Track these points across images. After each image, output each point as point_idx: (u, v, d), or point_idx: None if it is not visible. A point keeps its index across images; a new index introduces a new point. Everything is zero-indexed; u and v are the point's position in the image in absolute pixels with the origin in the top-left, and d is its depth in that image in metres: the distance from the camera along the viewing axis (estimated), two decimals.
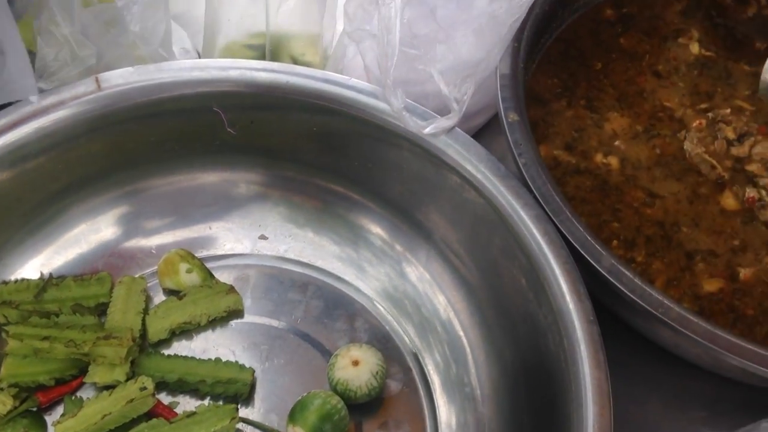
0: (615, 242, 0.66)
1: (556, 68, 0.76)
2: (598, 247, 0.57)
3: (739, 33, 0.79)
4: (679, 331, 0.53)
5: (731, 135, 0.71)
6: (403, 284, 0.67)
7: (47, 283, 0.64)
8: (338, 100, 0.63)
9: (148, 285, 0.69)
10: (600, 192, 0.68)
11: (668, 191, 0.68)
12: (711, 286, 0.63)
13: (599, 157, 0.70)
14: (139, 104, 0.61)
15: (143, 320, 0.65)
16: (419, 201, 0.65)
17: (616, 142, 0.71)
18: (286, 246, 0.70)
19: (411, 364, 0.66)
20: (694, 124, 0.72)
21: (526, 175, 0.60)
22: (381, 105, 0.63)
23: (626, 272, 0.56)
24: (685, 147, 0.71)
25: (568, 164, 0.70)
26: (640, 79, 0.76)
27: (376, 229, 0.68)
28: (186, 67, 0.61)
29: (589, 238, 0.57)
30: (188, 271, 0.67)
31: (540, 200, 0.59)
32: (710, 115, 0.72)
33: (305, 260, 0.70)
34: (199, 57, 0.73)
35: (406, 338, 0.67)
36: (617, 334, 0.64)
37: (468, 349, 0.64)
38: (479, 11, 0.68)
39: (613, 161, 0.70)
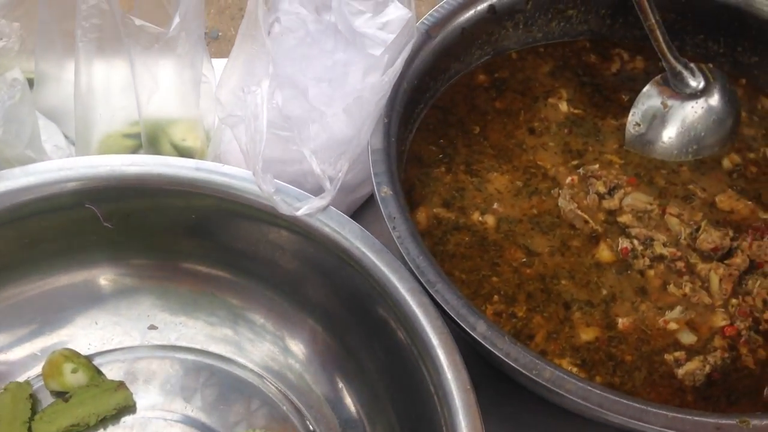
0: (496, 297, 0.67)
1: (435, 135, 0.78)
2: (473, 315, 0.58)
3: (606, 89, 0.84)
4: (554, 391, 0.55)
5: (602, 189, 0.74)
6: (292, 363, 0.67)
7: None
8: (212, 187, 0.63)
9: (36, 388, 0.67)
10: (479, 248, 0.70)
11: (545, 246, 0.71)
12: (587, 335, 0.65)
13: (476, 216, 0.72)
14: (5, 209, 0.60)
15: (29, 428, 0.63)
16: (302, 279, 0.66)
17: (495, 205, 0.73)
18: (176, 334, 0.69)
19: None
20: (567, 181, 0.75)
21: (401, 249, 0.61)
22: (256, 188, 0.63)
23: (500, 337, 0.57)
24: (559, 204, 0.73)
25: (448, 221, 0.72)
26: (518, 132, 0.79)
27: (262, 310, 0.68)
28: (53, 168, 0.61)
29: (464, 306, 0.59)
30: (73, 371, 0.65)
31: (415, 273, 0.60)
32: (581, 171, 0.76)
33: (197, 346, 0.69)
34: None
35: (302, 417, 0.66)
36: (512, 391, 0.65)
37: (362, 424, 0.63)
38: (350, 89, 0.70)
39: (489, 220, 0.72)
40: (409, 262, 0.60)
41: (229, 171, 0.63)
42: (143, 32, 0.65)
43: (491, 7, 0.80)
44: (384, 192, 0.65)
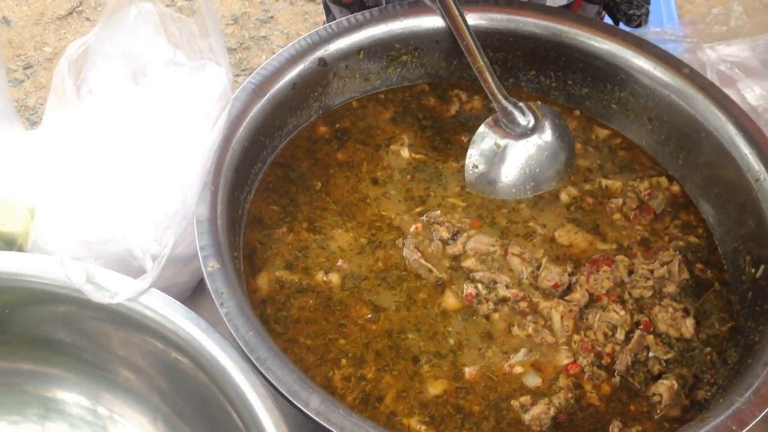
0: (344, 361, 0.65)
1: (276, 194, 0.76)
2: (306, 390, 0.56)
3: (446, 131, 0.84)
4: None
5: (446, 234, 0.74)
6: None
7: None
8: (21, 279, 0.59)
9: None
10: (324, 309, 0.68)
11: (392, 301, 0.70)
12: (435, 388, 0.64)
13: (320, 275, 0.70)
14: None
15: None
16: (132, 365, 0.62)
17: (339, 262, 0.71)
18: None
19: None
20: (411, 230, 0.74)
21: (229, 326, 0.58)
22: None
23: (334, 410, 0.55)
24: (404, 254, 0.73)
25: (291, 284, 0.70)
26: (361, 185, 0.78)
27: (88, 402, 0.64)
28: None
29: (296, 381, 0.56)
30: None
31: (245, 350, 0.57)
32: (425, 218, 0.75)
33: None
34: None
35: None
36: None
37: None
38: (173, 158, 0.67)
39: (334, 278, 0.70)
40: (238, 340, 0.58)
41: (39, 261, 0.59)
42: None
43: (321, 60, 0.79)
44: (211, 266, 0.62)
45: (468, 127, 0.84)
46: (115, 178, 0.65)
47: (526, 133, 0.79)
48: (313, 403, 0.55)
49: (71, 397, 0.63)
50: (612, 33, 0.82)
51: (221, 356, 0.57)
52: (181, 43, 0.68)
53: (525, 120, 0.78)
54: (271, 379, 0.56)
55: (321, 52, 0.79)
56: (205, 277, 0.61)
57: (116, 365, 0.62)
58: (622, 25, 1.03)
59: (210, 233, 0.64)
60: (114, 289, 0.58)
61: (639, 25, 1.01)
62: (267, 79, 0.75)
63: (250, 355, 0.57)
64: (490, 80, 0.78)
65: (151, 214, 0.64)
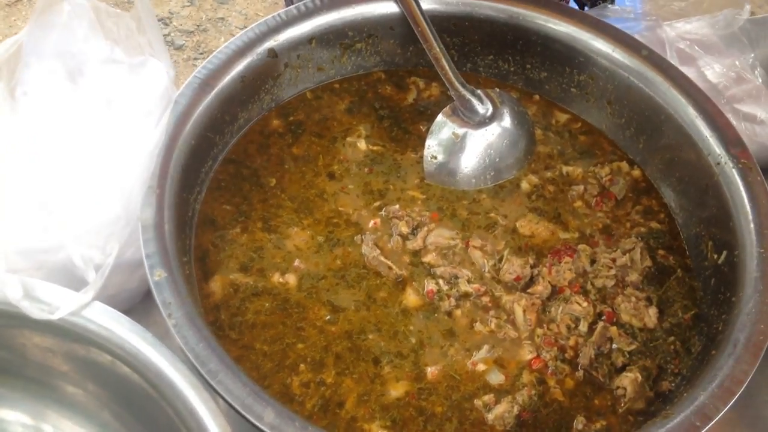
0: (302, 366, 0.63)
1: (229, 193, 0.73)
2: (260, 403, 0.54)
3: (404, 121, 0.81)
4: None
5: (405, 229, 0.72)
6: None
7: None
8: None
9: None
10: (281, 312, 0.66)
11: (351, 301, 0.68)
12: (397, 390, 0.63)
13: (276, 277, 0.68)
14: None
15: None
16: (78, 381, 0.59)
17: (296, 262, 0.69)
18: None
19: None
20: (370, 225, 0.72)
21: (178, 338, 0.56)
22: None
23: (290, 423, 0.53)
24: (363, 251, 0.70)
25: (246, 287, 0.67)
26: (317, 180, 0.75)
27: (21, 417, 0.61)
28: None
29: (249, 394, 0.54)
30: None
31: (195, 363, 0.55)
32: (383, 213, 0.73)
33: None
34: None
35: None
36: None
37: None
38: (115, 160, 0.64)
39: (291, 279, 0.68)
40: (187, 352, 0.55)
41: None
42: None
43: (271, 51, 0.76)
44: (158, 275, 0.59)
45: (426, 115, 0.82)
46: (54, 184, 0.62)
47: (484, 121, 0.77)
48: (268, 417, 0.53)
49: (13, 416, 0.61)
50: (570, 15, 0.80)
51: (169, 370, 0.54)
52: (119, 39, 0.64)
53: (483, 108, 0.76)
54: (222, 393, 0.54)
55: (270, 43, 0.76)
56: (152, 287, 0.58)
57: (61, 381, 0.60)
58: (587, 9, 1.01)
59: (156, 239, 0.61)
60: (54, 304, 0.55)
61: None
62: (214, 73, 0.72)
63: (200, 368, 0.55)
64: (447, 67, 0.76)
65: (92, 220, 0.61)
